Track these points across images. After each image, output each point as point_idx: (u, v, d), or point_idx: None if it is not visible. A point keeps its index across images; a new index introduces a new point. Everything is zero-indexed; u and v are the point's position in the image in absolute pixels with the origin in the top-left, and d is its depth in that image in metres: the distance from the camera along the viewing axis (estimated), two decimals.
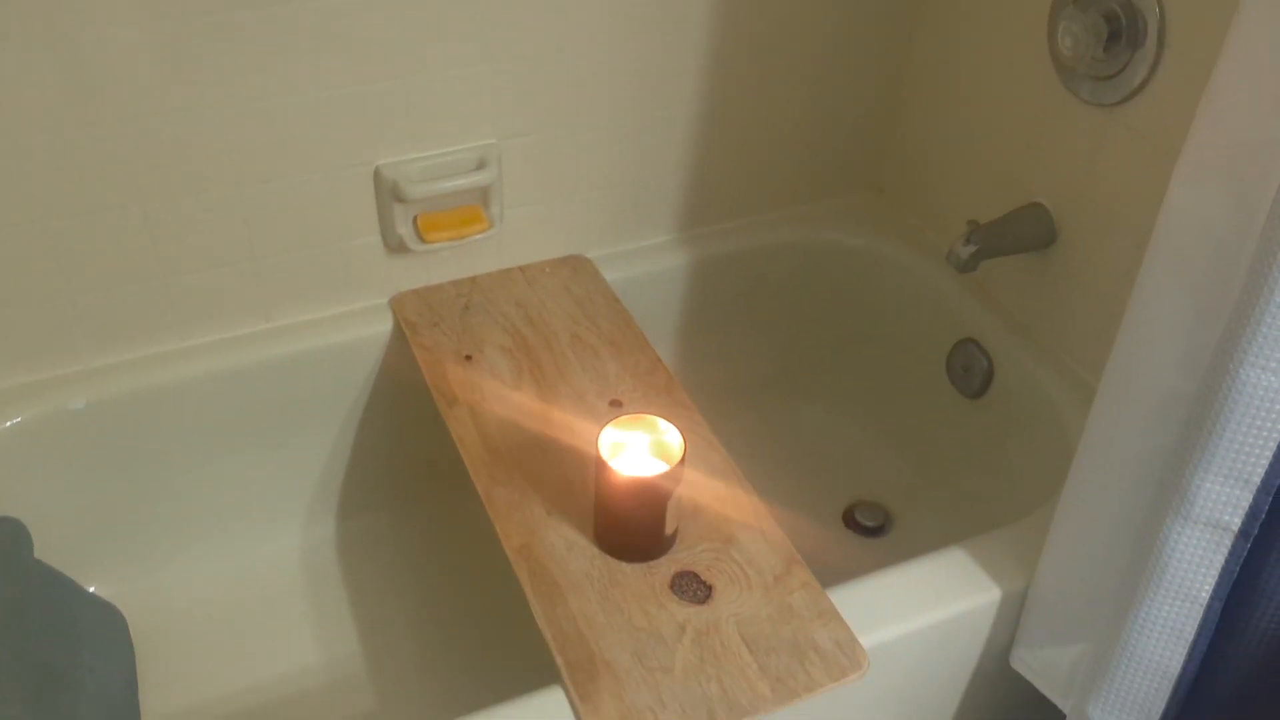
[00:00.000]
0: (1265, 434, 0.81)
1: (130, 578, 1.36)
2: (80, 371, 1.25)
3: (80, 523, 1.30)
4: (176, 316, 1.27)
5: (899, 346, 1.60)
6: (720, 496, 1.14)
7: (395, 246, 1.33)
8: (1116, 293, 1.27)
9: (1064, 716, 1.13)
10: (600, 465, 1.02)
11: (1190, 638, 0.93)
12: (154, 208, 1.18)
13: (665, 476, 1.01)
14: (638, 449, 1.06)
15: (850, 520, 1.56)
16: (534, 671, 1.01)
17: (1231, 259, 0.82)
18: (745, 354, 1.65)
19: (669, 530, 1.07)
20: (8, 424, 1.21)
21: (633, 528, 1.05)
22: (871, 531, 1.55)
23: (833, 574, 1.09)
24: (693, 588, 1.05)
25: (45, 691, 1.06)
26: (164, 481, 1.34)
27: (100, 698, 1.15)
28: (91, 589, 1.32)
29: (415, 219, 1.31)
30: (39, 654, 1.06)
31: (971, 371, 1.47)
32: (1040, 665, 1.13)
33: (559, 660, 0.98)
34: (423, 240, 1.32)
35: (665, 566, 1.07)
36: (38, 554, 1.18)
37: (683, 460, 1.01)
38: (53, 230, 1.15)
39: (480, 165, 1.31)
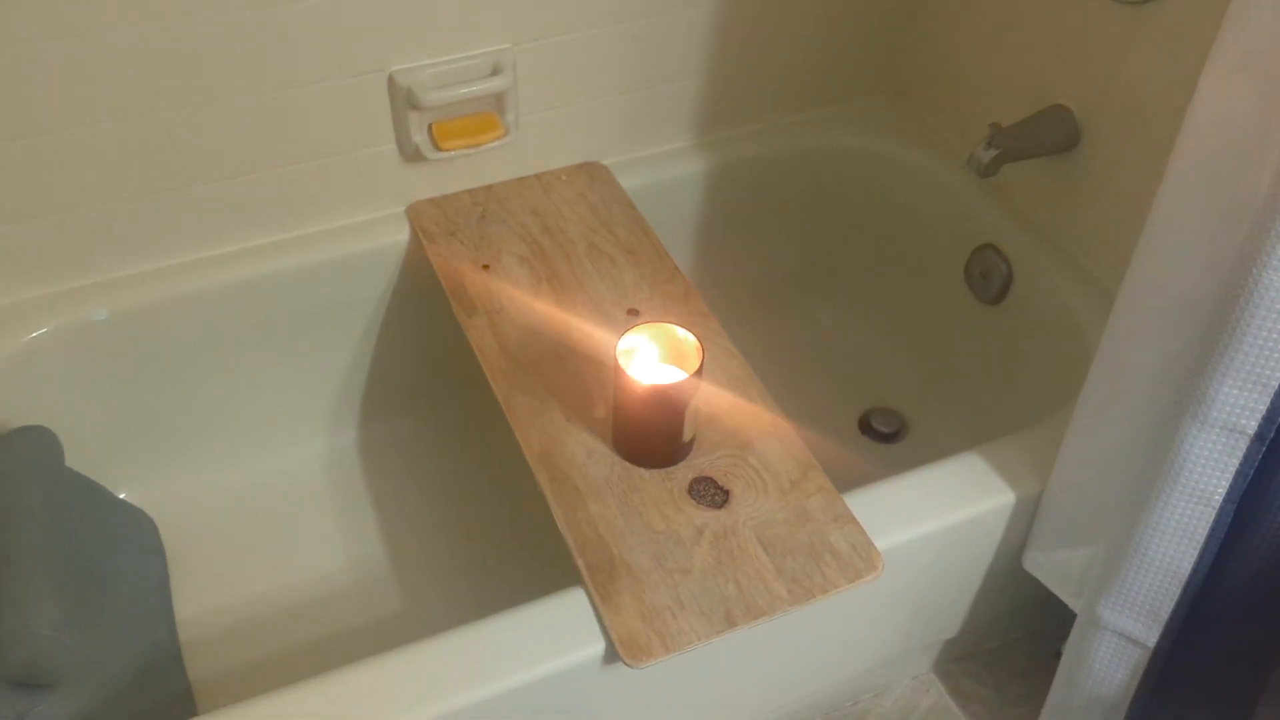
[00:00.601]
0: None
1: (159, 484, 1.39)
2: (102, 282, 1.26)
3: (109, 431, 1.33)
4: (195, 227, 1.27)
5: (918, 252, 1.59)
6: (737, 403, 1.15)
7: (411, 155, 1.32)
8: (1139, 197, 1.25)
9: (1075, 616, 1.15)
10: (618, 373, 1.03)
11: (1201, 539, 0.95)
12: (170, 117, 1.17)
13: (682, 384, 1.02)
14: (655, 357, 1.06)
15: (866, 426, 1.57)
16: (555, 573, 1.04)
17: (1258, 161, 0.80)
18: (763, 260, 1.65)
19: (687, 437, 1.08)
20: (34, 334, 1.22)
21: (651, 435, 1.06)
22: (887, 438, 1.56)
23: (849, 480, 1.11)
24: (710, 492, 1.07)
25: (83, 593, 1.09)
26: (189, 390, 1.36)
27: (134, 598, 1.19)
28: (122, 495, 1.35)
29: (430, 127, 1.30)
30: (75, 558, 1.10)
31: (990, 277, 1.46)
32: (1052, 566, 1.15)
33: (580, 563, 1.00)
34: (438, 148, 1.31)
35: (683, 472, 1.08)
36: (69, 463, 1.20)
37: (700, 368, 1.02)
38: (70, 141, 1.15)
39: (495, 71, 1.29)
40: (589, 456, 1.09)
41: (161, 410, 1.36)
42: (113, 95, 1.14)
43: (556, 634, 0.96)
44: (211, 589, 1.32)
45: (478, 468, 1.48)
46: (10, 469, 1.10)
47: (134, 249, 1.26)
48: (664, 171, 1.48)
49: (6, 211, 1.17)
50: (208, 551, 1.36)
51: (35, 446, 1.15)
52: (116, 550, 1.21)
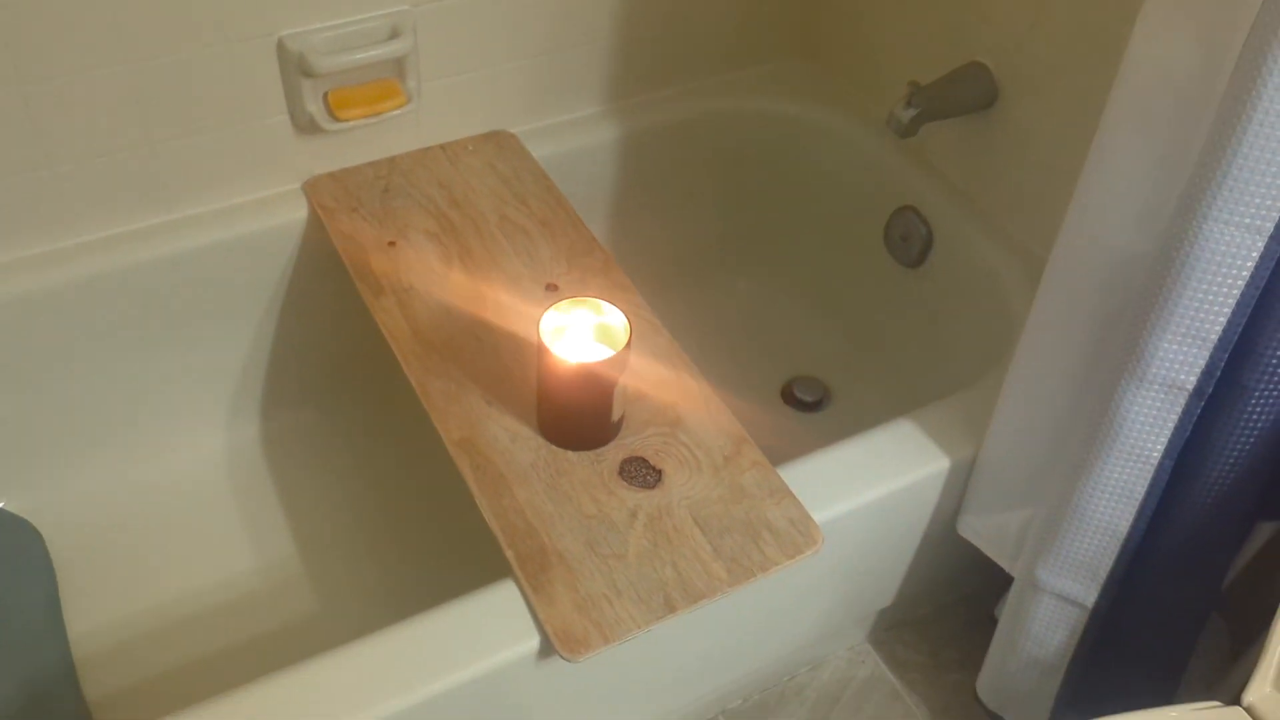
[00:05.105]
0: (1225, 290, 0.80)
1: (43, 491, 1.29)
2: None
3: None
4: (67, 211, 1.17)
5: (836, 217, 1.56)
6: (665, 379, 1.11)
7: (305, 126, 1.24)
8: (1057, 155, 1.24)
9: (1006, 578, 1.15)
10: (543, 353, 0.97)
11: (1140, 498, 0.94)
12: (34, 90, 1.07)
13: (611, 362, 0.97)
14: (580, 334, 1.01)
15: (789, 396, 1.55)
16: (482, 567, 0.98)
17: (1196, 111, 0.79)
18: (680, 229, 1.61)
19: (615, 416, 1.03)
20: None
21: (579, 416, 1.01)
22: (810, 406, 1.54)
23: (773, 451, 1.07)
24: (642, 473, 1.02)
25: None
26: (71, 389, 1.26)
27: (20, 615, 1.10)
28: (0, 505, 1.24)
29: (326, 95, 1.22)
30: None
31: (910, 240, 1.44)
32: (988, 531, 1.14)
33: (509, 553, 0.95)
34: (335, 118, 1.23)
35: (613, 453, 1.04)
36: None
37: (628, 345, 0.97)
38: None
39: (394, 34, 1.21)
40: (513, 441, 1.04)
41: (40, 412, 1.25)
42: None
43: (488, 631, 0.91)
44: (107, 601, 1.23)
45: (392, 458, 1.41)
46: None
47: (2, 237, 1.15)
48: (576, 139, 1.42)
49: None
50: (101, 561, 1.26)
51: None
52: None
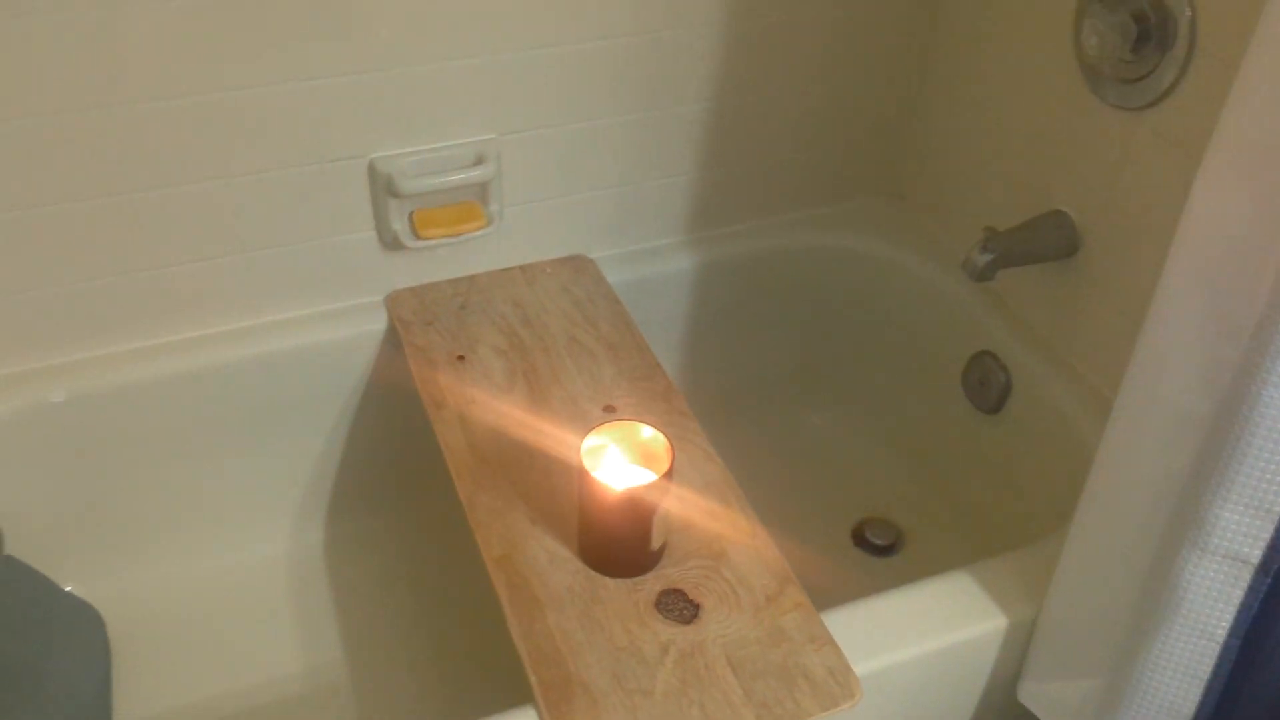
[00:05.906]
0: None
1: (110, 577, 1.33)
2: (62, 364, 1.22)
3: (58, 519, 1.27)
4: (162, 310, 1.24)
5: (913, 357, 1.54)
6: (713, 510, 1.09)
7: (390, 243, 1.29)
8: (1142, 306, 1.20)
9: None
10: (582, 475, 0.97)
11: (1206, 677, 0.87)
12: (139, 199, 1.15)
13: (650, 487, 0.96)
14: (624, 457, 1.01)
15: (860, 538, 1.50)
16: (515, 686, 0.96)
17: (1255, 270, 0.76)
18: (753, 361, 1.60)
19: (656, 545, 1.01)
20: None
21: (617, 541, 1.00)
22: (882, 550, 1.49)
23: (841, 595, 1.04)
24: (679, 606, 1.00)
25: (12, 689, 1.03)
26: (147, 479, 1.31)
27: (68, 699, 1.12)
28: (68, 588, 1.29)
29: (411, 215, 1.28)
30: (6, 652, 1.03)
31: (988, 385, 1.40)
32: (1049, 700, 1.07)
33: (533, 679, 0.93)
34: (418, 237, 1.28)
35: (651, 583, 1.02)
36: (13, 550, 1.15)
37: (670, 471, 0.96)
38: (32, 221, 1.12)
39: (479, 161, 1.27)
40: (551, 563, 1.03)
41: (117, 499, 1.30)
42: (78, 176, 1.12)
43: None
44: (158, 690, 1.25)
45: (446, 571, 1.41)
46: None
47: (99, 331, 1.23)
48: (652, 267, 1.45)
49: None
50: (157, 650, 1.29)
51: None
52: (56, 647, 1.15)
